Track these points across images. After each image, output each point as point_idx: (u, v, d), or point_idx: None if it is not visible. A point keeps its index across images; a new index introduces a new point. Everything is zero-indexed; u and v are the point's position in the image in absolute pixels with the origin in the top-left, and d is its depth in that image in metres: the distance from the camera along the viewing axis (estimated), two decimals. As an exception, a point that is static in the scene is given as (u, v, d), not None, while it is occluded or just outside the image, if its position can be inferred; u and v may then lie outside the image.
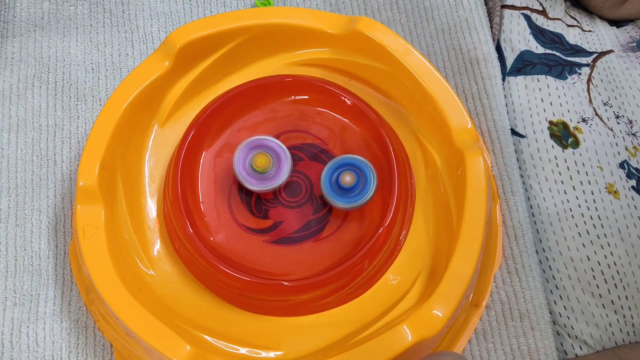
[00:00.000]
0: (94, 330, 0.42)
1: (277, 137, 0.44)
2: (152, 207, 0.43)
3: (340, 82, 0.47)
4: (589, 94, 0.50)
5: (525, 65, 0.51)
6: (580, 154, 0.47)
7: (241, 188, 0.44)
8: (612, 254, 0.45)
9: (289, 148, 0.45)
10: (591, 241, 0.45)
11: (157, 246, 0.42)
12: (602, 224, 0.46)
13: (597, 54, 0.52)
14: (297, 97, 0.46)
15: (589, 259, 0.45)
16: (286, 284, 0.39)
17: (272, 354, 0.39)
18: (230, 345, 0.39)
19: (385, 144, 0.43)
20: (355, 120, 0.45)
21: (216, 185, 0.44)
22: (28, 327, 0.42)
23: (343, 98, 0.44)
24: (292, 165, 0.42)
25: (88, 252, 0.39)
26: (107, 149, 0.41)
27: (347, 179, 0.41)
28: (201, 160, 0.44)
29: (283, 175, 0.41)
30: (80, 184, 0.40)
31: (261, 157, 0.41)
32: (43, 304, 0.43)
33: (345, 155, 0.42)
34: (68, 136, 0.48)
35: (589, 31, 0.54)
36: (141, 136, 0.44)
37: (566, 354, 0.44)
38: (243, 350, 0.39)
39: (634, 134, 0.49)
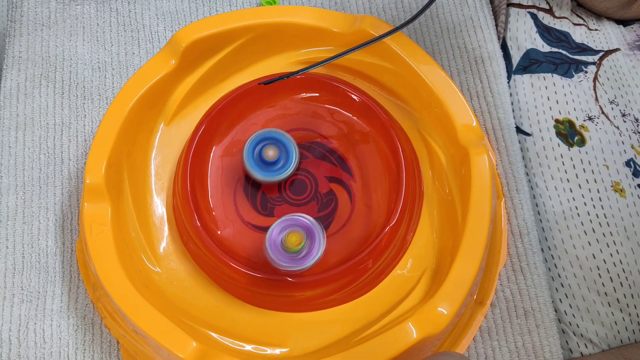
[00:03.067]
0: (100, 327, 0.43)
1: (289, 132, 0.44)
2: (158, 205, 0.44)
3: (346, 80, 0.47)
4: (595, 92, 0.50)
5: (531, 63, 0.51)
6: (586, 152, 0.47)
7: (247, 185, 0.44)
8: (617, 252, 0.45)
9: (298, 144, 0.45)
10: (597, 239, 0.45)
11: (163, 244, 0.43)
12: (607, 222, 0.45)
13: (603, 53, 0.52)
14: (308, 95, 0.46)
15: (594, 257, 0.45)
16: (290, 280, 0.39)
17: (277, 351, 0.39)
18: (236, 342, 0.39)
19: (394, 144, 0.43)
20: (365, 118, 0.45)
21: (223, 181, 0.44)
22: (35, 323, 0.42)
23: (353, 96, 0.45)
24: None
25: (95, 249, 0.39)
26: (113, 147, 0.41)
27: (270, 153, 0.42)
28: (211, 155, 0.44)
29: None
30: (87, 181, 0.40)
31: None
32: (50, 301, 0.43)
33: (266, 129, 0.43)
34: (75, 134, 0.48)
35: (596, 30, 0.54)
36: (147, 134, 0.45)
37: (571, 352, 0.44)
38: (248, 347, 0.39)
39: (640, 132, 0.49)
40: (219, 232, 0.42)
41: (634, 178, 0.47)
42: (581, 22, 0.54)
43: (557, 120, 0.48)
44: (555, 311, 0.44)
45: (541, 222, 0.46)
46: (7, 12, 0.52)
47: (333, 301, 0.41)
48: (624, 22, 0.55)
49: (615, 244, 0.45)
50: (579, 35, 0.53)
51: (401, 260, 0.42)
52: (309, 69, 0.43)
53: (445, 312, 0.37)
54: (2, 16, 0.57)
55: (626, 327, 0.44)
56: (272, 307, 0.41)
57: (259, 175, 0.42)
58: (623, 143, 0.48)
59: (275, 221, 0.43)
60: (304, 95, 0.46)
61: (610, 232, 0.45)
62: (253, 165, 0.42)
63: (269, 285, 0.40)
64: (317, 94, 0.46)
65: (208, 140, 0.44)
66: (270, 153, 0.42)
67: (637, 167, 0.48)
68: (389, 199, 0.43)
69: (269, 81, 0.43)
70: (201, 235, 0.40)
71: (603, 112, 0.49)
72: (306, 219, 0.38)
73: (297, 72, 0.43)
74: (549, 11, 0.54)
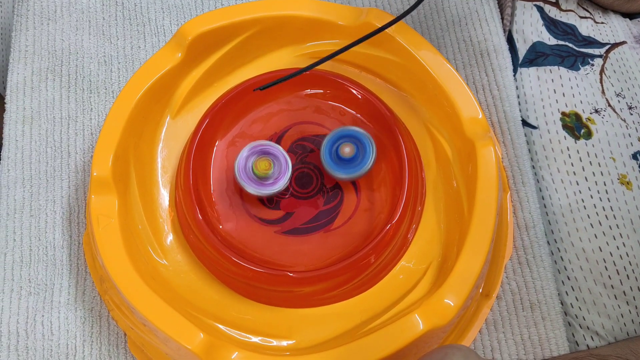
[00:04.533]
0: (107, 319, 0.43)
1: (290, 129, 0.45)
2: (164, 198, 0.44)
3: (351, 74, 0.47)
4: (602, 85, 0.50)
5: (537, 56, 0.51)
6: (593, 145, 0.47)
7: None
8: (624, 245, 0.45)
9: (301, 139, 0.45)
10: (603, 232, 0.45)
11: (169, 236, 0.43)
12: (614, 215, 0.45)
13: (609, 46, 0.52)
14: (312, 91, 0.46)
15: (601, 250, 0.45)
16: (291, 275, 0.39)
17: (284, 343, 0.39)
18: (243, 334, 0.39)
19: (397, 142, 0.43)
20: (369, 115, 0.45)
21: (228, 174, 0.44)
22: (43, 316, 0.43)
23: (357, 93, 0.45)
24: (291, 172, 0.42)
25: (102, 241, 0.39)
26: (120, 140, 0.41)
27: (347, 150, 0.41)
28: (214, 149, 0.44)
29: (283, 181, 0.41)
30: (94, 174, 0.40)
31: (262, 162, 0.41)
32: (57, 294, 0.43)
33: (344, 127, 0.42)
34: (81, 128, 0.48)
35: (602, 23, 0.54)
36: (154, 127, 0.45)
37: (578, 344, 0.44)
38: (255, 339, 0.39)
39: (646, 125, 0.49)
40: (220, 227, 0.42)
41: (641, 171, 0.47)
42: (587, 15, 0.54)
43: (563, 113, 0.48)
44: (562, 304, 0.44)
45: (547, 215, 0.46)
46: (14, 6, 0.52)
47: (335, 297, 0.41)
48: (630, 15, 0.55)
49: (621, 237, 0.45)
50: (585, 28, 0.53)
51: (407, 253, 0.42)
52: (301, 72, 0.42)
53: (452, 304, 0.37)
54: (8, 10, 0.57)
55: (632, 320, 0.44)
56: (274, 302, 0.41)
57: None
58: (630, 136, 0.48)
59: (282, 214, 0.43)
60: (308, 91, 0.46)
61: (617, 225, 0.45)
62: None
63: (270, 281, 0.40)
64: (322, 91, 0.46)
65: (211, 135, 0.44)
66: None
67: (644, 160, 0.48)
68: (392, 196, 0.43)
69: (265, 86, 0.42)
70: (202, 228, 0.40)
71: (610, 105, 0.49)
72: (274, 146, 0.41)
73: (289, 76, 0.42)
74: (555, 4, 0.53)
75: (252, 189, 0.41)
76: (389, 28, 0.44)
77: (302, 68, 0.42)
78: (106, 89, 0.49)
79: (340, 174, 0.42)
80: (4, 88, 0.53)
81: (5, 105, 0.49)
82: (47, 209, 0.46)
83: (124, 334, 0.43)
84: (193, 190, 0.41)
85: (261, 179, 0.41)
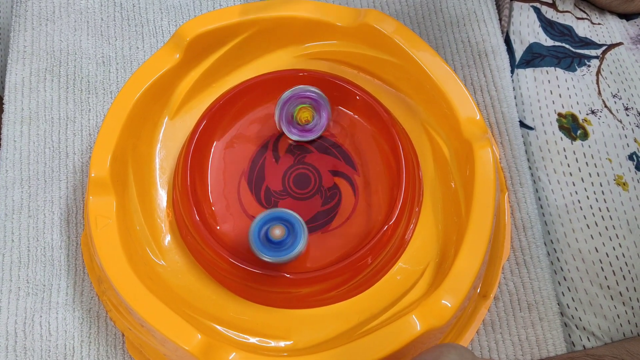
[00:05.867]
0: (105, 319, 0.43)
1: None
2: (163, 199, 0.44)
3: (349, 75, 0.47)
4: (598, 86, 0.50)
5: (534, 57, 0.51)
6: (589, 146, 0.47)
7: (251, 179, 0.44)
8: (620, 246, 0.45)
9: (299, 140, 0.45)
10: (600, 233, 0.45)
11: (167, 237, 0.43)
12: (610, 216, 0.46)
13: (606, 47, 0.52)
14: None
15: (597, 251, 0.45)
16: (288, 276, 0.39)
17: (282, 343, 0.39)
18: (240, 334, 0.39)
19: (395, 143, 0.43)
20: (366, 117, 0.45)
21: (226, 175, 0.44)
22: (41, 316, 0.43)
23: (355, 95, 0.45)
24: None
25: (100, 242, 0.39)
26: (118, 141, 0.41)
27: (277, 232, 0.38)
28: (212, 150, 0.44)
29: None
30: (92, 175, 0.40)
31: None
32: (56, 294, 0.43)
33: (274, 210, 0.39)
34: (80, 129, 0.48)
35: (599, 24, 0.54)
36: (152, 128, 0.45)
37: (574, 345, 0.44)
38: (253, 340, 0.39)
39: (643, 126, 0.49)
40: (218, 227, 0.42)
41: (637, 172, 0.47)
42: (584, 16, 0.54)
43: (560, 114, 0.49)
44: (558, 304, 0.44)
45: (544, 215, 0.46)
46: (12, 7, 0.52)
47: (332, 298, 0.41)
48: (627, 16, 0.55)
49: (617, 238, 0.45)
50: (582, 29, 0.53)
51: (404, 254, 0.42)
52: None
53: (449, 305, 0.37)
54: (6, 11, 0.57)
55: (629, 320, 0.44)
56: (271, 303, 0.41)
57: (266, 257, 0.39)
58: (626, 137, 0.48)
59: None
60: None
61: (613, 226, 0.45)
62: (259, 246, 0.39)
63: (267, 282, 0.40)
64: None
65: (209, 136, 0.44)
66: (277, 232, 0.38)
67: (640, 160, 0.48)
68: (390, 197, 0.43)
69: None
70: (199, 229, 0.40)
71: (606, 106, 0.49)
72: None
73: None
74: (552, 5, 0.54)
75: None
76: (387, 29, 0.44)
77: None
78: (104, 89, 0.49)
79: (269, 257, 0.39)
80: (2, 89, 0.53)
81: (4, 106, 0.49)
82: (45, 210, 0.46)
83: (122, 334, 0.43)
84: (190, 191, 0.41)
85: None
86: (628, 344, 0.42)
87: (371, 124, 0.45)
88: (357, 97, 0.45)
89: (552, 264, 0.45)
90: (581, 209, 0.46)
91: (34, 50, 0.50)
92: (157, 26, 0.52)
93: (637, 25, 0.55)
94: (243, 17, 0.45)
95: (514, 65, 0.51)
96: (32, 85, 0.49)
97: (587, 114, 0.49)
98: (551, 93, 0.49)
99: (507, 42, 0.52)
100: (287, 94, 0.43)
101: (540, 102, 0.49)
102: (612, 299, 0.44)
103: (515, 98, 0.49)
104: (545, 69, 0.50)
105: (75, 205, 0.46)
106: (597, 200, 0.46)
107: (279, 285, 0.40)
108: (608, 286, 0.44)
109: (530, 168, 0.47)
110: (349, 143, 0.45)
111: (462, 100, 0.43)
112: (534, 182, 0.47)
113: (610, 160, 0.47)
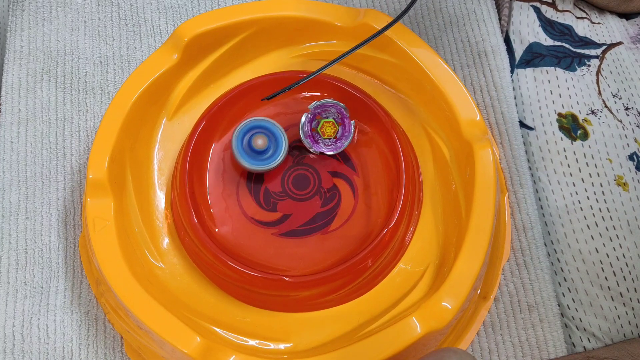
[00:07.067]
0: (104, 322, 0.43)
1: (286, 130, 0.44)
2: (161, 200, 0.44)
3: (347, 75, 0.47)
4: (598, 86, 0.50)
5: (534, 57, 0.51)
6: (589, 146, 0.47)
7: (249, 181, 0.44)
8: (621, 247, 0.45)
9: (298, 141, 0.45)
10: (600, 233, 0.45)
11: (166, 239, 0.43)
12: (611, 216, 0.45)
13: (606, 46, 0.52)
14: (309, 94, 0.46)
15: (597, 252, 0.45)
16: (287, 279, 0.39)
17: (281, 346, 0.39)
18: (240, 337, 0.39)
19: (394, 145, 0.43)
20: (366, 119, 0.45)
21: (225, 177, 0.44)
22: (39, 319, 0.42)
23: (354, 96, 0.44)
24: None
25: (98, 244, 0.39)
26: (116, 142, 0.41)
27: (260, 142, 0.42)
28: (210, 152, 0.44)
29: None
30: (90, 177, 0.40)
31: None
32: (53, 297, 0.43)
33: (255, 118, 0.43)
34: (77, 129, 0.48)
35: (598, 23, 0.54)
36: (150, 129, 0.45)
37: (574, 346, 0.44)
38: (252, 342, 0.39)
39: (643, 126, 0.49)
40: (216, 230, 0.42)
41: (637, 172, 0.47)
42: (584, 15, 0.54)
43: (560, 114, 0.48)
44: (558, 305, 0.44)
45: (544, 216, 0.46)
46: (9, 7, 0.52)
47: (332, 301, 0.41)
48: (627, 16, 0.55)
49: (618, 238, 0.45)
50: (581, 28, 0.53)
51: (404, 256, 0.42)
52: (308, 78, 0.43)
53: (450, 307, 0.37)
54: (3, 10, 0.57)
55: (629, 321, 0.44)
56: (270, 307, 0.41)
57: (247, 164, 0.42)
58: (626, 137, 0.48)
59: (279, 216, 0.43)
60: (305, 94, 0.46)
61: (613, 226, 0.45)
62: (242, 154, 0.42)
63: (265, 285, 0.39)
64: (318, 93, 0.46)
65: (208, 137, 0.44)
66: (260, 142, 0.42)
67: (641, 161, 0.48)
68: (389, 198, 0.43)
69: (271, 96, 0.43)
70: (197, 232, 0.40)
71: (606, 106, 0.49)
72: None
73: (296, 84, 0.43)
74: (552, 4, 0.53)
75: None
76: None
77: (305, 76, 0.43)
78: (102, 90, 0.49)
79: (252, 165, 0.42)
80: (-1, 89, 0.53)
81: (0, 107, 0.48)
82: (43, 211, 0.45)
83: (120, 337, 0.42)
84: (188, 193, 0.41)
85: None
86: (629, 346, 0.42)
87: (371, 125, 0.45)
88: (357, 99, 0.44)
89: (553, 264, 0.45)
90: (581, 210, 0.46)
91: (31, 50, 0.50)
92: (154, 26, 0.51)
93: (637, 25, 0.54)
94: (241, 17, 0.45)
95: (513, 65, 0.50)
96: (29, 85, 0.49)
97: (587, 114, 0.49)
98: (551, 93, 0.49)
99: (507, 41, 0.51)
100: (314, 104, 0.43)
101: (540, 102, 0.49)
102: (613, 300, 0.44)
103: (515, 98, 0.49)
104: (545, 68, 0.50)
105: (73, 206, 0.46)
106: (597, 201, 0.46)
107: (278, 289, 0.40)
108: (608, 287, 0.44)
109: (530, 168, 0.47)
110: (348, 144, 0.45)
111: (462, 100, 0.43)
112: (534, 183, 0.47)
113: (610, 161, 0.47)
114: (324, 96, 0.46)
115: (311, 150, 0.44)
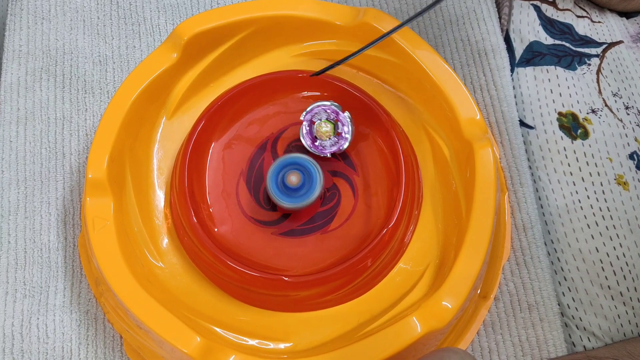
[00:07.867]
0: (103, 322, 0.43)
1: (286, 130, 0.44)
2: (160, 200, 0.44)
3: (347, 74, 0.47)
4: (599, 85, 0.50)
5: (534, 56, 0.50)
6: (590, 145, 0.47)
7: (249, 180, 0.44)
8: (621, 246, 0.45)
9: (297, 141, 0.45)
10: (600, 233, 0.45)
11: (165, 239, 0.43)
12: (611, 216, 0.45)
13: (606, 45, 0.52)
14: (309, 93, 0.46)
15: (597, 251, 0.45)
16: (286, 279, 0.39)
17: (281, 345, 0.39)
18: (239, 336, 0.39)
19: (394, 144, 0.42)
20: (366, 119, 0.45)
21: (224, 176, 0.44)
22: (38, 319, 0.42)
23: (354, 95, 0.44)
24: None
25: (97, 244, 0.39)
26: (115, 142, 0.41)
27: (293, 178, 0.40)
28: (210, 151, 0.44)
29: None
30: (90, 176, 0.40)
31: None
32: (53, 296, 0.43)
33: (289, 155, 0.41)
34: (76, 129, 0.48)
35: (599, 22, 0.54)
36: (149, 128, 0.45)
37: (574, 345, 0.44)
38: (252, 342, 0.39)
39: (643, 125, 0.49)
40: (216, 229, 0.42)
41: (637, 171, 0.47)
42: (584, 14, 0.54)
43: (560, 113, 0.48)
44: (558, 304, 0.44)
45: (544, 215, 0.46)
46: (7, 5, 0.51)
47: (331, 301, 0.41)
48: (627, 14, 0.55)
49: (618, 237, 0.45)
50: (582, 27, 0.53)
51: (404, 255, 0.42)
52: (347, 59, 0.43)
53: (450, 306, 0.37)
54: (2, 9, 0.57)
55: (629, 321, 0.44)
56: (269, 306, 0.41)
57: (281, 202, 0.40)
58: (626, 136, 0.48)
59: (278, 216, 0.43)
60: (305, 93, 0.46)
61: (614, 225, 0.45)
62: (276, 191, 0.41)
63: (265, 285, 0.39)
64: (318, 93, 0.46)
65: (207, 137, 0.44)
66: (293, 179, 0.40)
67: (641, 160, 0.48)
68: (389, 198, 0.43)
69: (320, 71, 0.43)
70: (197, 231, 0.40)
71: (606, 105, 0.49)
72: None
73: (345, 59, 0.43)
74: (552, 3, 0.53)
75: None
76: (387, 28, 0.44)
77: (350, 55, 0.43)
78: (101, 89, 0.49)
79: (287, 203, 0.40)
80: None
81: (-1, 106, 0.48)
82: (42, 211, 0.45)
83: (119, 336, 0.42)
84: (188, 192, 0.41)
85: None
86: (629, 345, 0.42)
87: (371, 125, 0.45)
88: (357, 98, 0.44)
89: (553, 264, 0.45)
90: (581, 209, 0.46)
91: (30, 49, 0.50)
92: (154, 25, 0.51)
93: (637, 24, 0.54)
94: (241, 16, 0.45)
95: (514, 64, 0.50)
96: (28, 84, 0.49)
97: (587, 113, 0.49)
98: (551, 92, 0.49)
99: (507, 40, 0.51)
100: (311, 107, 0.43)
101: (541, 101, 0.49)
102: (613, 299, 0.44)
103: (515, 97, 0.49)
104: (545, 67, 0.50)
105: (72, 206, 0.46)
106: (597, 200, 0.46)
107: (278, 288, 0.40)
108: (609, 286, 0.44)
109: (530, 168, 0.47)
110: (351, 138, 0.45)
111: (462, 100, 0.43)
112: (534, 182, 0.47)
113: (610, 160, 0.47)
114: (324, 96, 0.46)
115: (316, 153, 0.43)
